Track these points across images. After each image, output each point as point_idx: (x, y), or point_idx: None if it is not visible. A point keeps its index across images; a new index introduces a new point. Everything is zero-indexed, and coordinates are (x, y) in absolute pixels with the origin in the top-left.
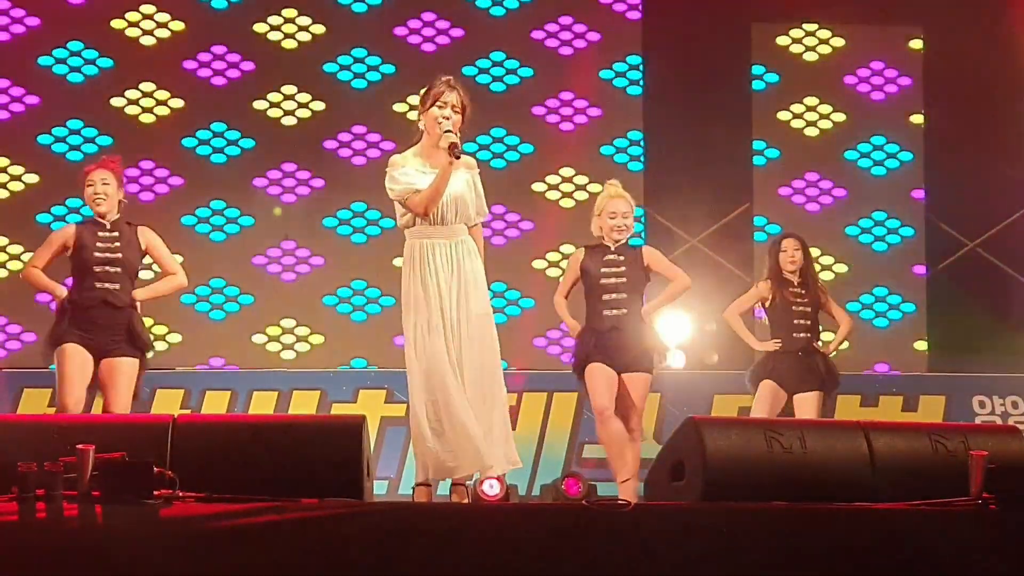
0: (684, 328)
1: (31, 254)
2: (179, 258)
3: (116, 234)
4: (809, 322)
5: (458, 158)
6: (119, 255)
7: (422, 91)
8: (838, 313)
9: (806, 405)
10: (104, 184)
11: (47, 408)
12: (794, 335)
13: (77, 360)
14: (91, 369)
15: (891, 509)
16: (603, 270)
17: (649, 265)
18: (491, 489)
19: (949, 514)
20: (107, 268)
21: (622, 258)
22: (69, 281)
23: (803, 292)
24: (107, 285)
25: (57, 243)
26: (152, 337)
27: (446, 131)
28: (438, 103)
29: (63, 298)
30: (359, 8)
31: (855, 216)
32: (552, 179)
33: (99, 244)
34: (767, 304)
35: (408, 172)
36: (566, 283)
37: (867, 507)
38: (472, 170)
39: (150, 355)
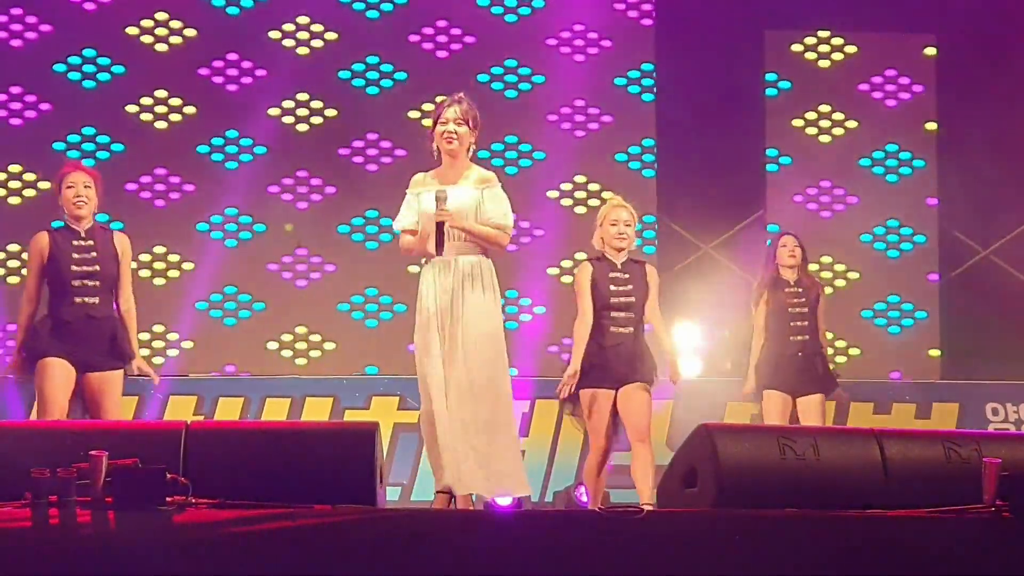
0: (697, 335)
1: None
2: (191, 265)
3: (91, 243)
4: (807, 323)
5: (439, 213)
6: (96, 267)
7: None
8: (820, 327)
9: (811, 409)
10: (87, 187)
11: None
12: (791, 338)
13: (59, 377)
14: (73, 383)
15: (904, 516)
16: (612, 288)
17: (649, 285)
18: (502, 499)
19: (962, 521)
20: (85, 282)
21: (627, 276)
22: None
23: (800, 291)
24: (87, 299)
25: (37, 260)
26: (135, 346)
27: (439, 211)
28: (440, 120)
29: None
30: (373, 15)
31: (868, 223)
32: (565, 186)
33: (75, 255)
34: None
35: (411, 203)
36: (587, 303)
37: (880, 514)
38: (486, 185)
39: (132, 364)
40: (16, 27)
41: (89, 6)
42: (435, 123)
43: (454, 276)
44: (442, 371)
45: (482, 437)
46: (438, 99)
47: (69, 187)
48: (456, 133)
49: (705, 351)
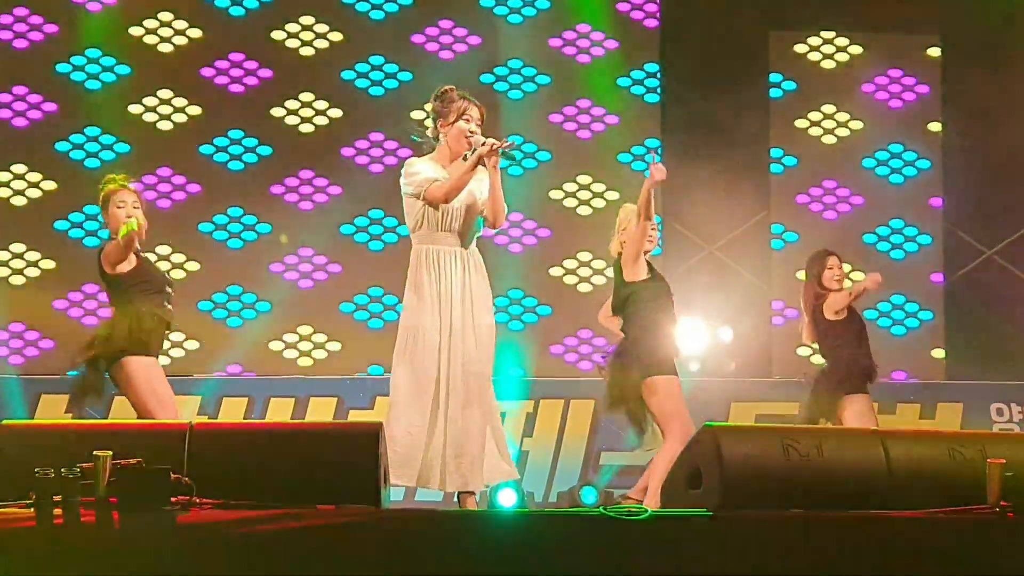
0: (702, 335)
1: (49, 261)
2: (196, 265)
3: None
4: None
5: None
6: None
7: (435, 102)
8: None
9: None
10: (135, 208)
11: (64, 414)
12: (863, 341)
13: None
14: None
15: (908, 517)
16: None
17: None
18: (506, 499)
19: (966, 522)
20: (168, 289)
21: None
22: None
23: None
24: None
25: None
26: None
27: (484, 141)
28: (464, 117)
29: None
30: (377, 15)
31: (872, 224)
32: (569, 187)
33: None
34: (840, 314)
35: (426, 168)
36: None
37: (884, 515)
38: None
39: None
40: (21, 27)
41: (93, 6)
42: (457, 116)
43: (463, 267)
44: (436, 369)
45: (496, 426)
46: (449, 92)
47: (119, 207)
48: (478, 135)
49: (709, 352)
